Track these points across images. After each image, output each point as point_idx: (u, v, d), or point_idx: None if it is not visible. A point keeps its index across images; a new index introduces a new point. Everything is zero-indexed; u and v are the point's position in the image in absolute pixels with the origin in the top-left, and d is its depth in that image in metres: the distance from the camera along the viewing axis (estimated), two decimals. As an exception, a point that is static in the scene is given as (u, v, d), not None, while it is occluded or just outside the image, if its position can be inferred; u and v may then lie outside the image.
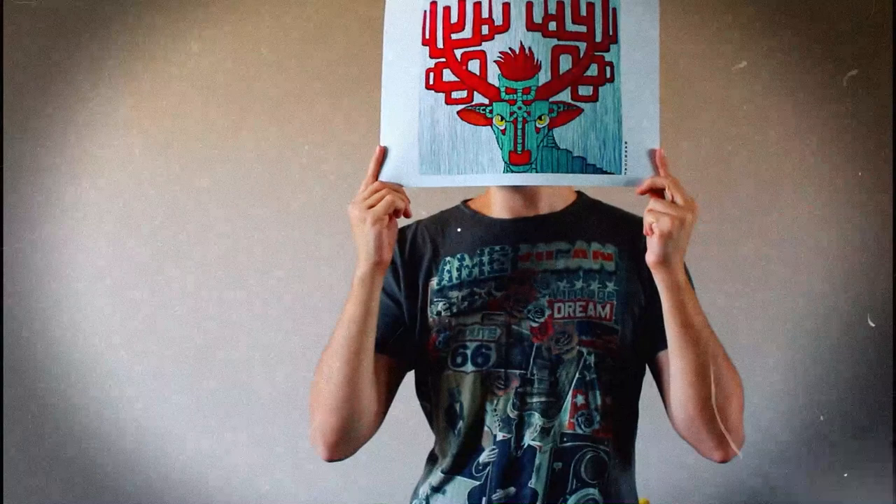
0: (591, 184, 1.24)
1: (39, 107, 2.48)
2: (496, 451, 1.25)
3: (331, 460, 1.28)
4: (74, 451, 2.47)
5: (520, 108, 1.21)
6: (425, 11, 1.25)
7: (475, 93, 1.22)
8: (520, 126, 1.21)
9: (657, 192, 1.19)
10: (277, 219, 2.51)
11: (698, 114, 2.49)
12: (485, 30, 1.23)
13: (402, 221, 1.26)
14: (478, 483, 1.26)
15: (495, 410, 1.26)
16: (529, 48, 1.21)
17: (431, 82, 1.24)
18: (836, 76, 2.50)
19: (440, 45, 1.24)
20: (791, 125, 2.54)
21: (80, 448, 2.47)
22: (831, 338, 2.51)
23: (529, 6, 1.21)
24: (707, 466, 1.31)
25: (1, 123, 2.41)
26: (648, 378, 1.34)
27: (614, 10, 1.22)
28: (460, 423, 1.27)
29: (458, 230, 1.34)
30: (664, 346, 1.24)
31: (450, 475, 1.28)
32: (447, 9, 1.24)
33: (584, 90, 1.21)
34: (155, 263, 2.50)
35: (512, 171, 1.21)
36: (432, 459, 1.33)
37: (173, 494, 2.47)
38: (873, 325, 2.45)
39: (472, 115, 1.22)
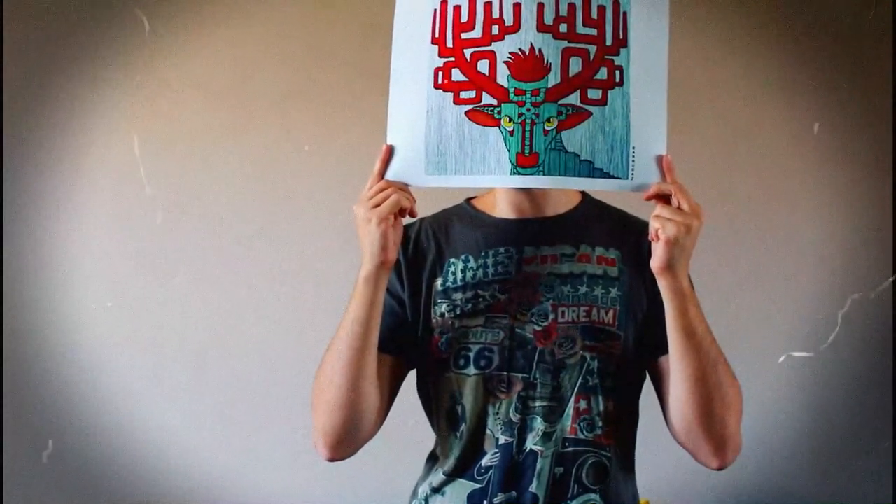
0: (597, 188, 1.24)
1: (39, 107, 2.46)
2: (498, 454, 1.25)
3: (332, 460, 1.27)
4: (74, 452, 2.47)
5: (528, 110, 1.20)
6: (435, 10, 1.24)
7: (484, 93, 1.21)
8: (528, 128, 1.20)
9: (663, 198, 1.19)
10: (280, 218, 2.50)
11: (698, 116, 2.48)
12: (495, 30, 1.22)
13: (405, 220, 1.26)
14: (479, 486, 1.26)
15: (497, 414, 1.26)
16: (540, 50, 1.20)
17: (440, 82, 1.23)
18: (836, 77, 2.50)
19: (449, 44, 1.23)
20: (791, 126, 2.53)
21: (80, 449, 2.47)
22: (831, 338, 2.51)
23: (540, 7, 1.21)
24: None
25: (1, 124, 2.40)
26: (648, 379, 1.34)
27: (625, 14, 1.21)
28: (462, 426, 1.27)
29: (463, 231, 1.34)
30: (665, 351, 1.24)
31: (451, 477, 1.28)
32: (457, 8, 1.23)
33: (594, 93, 1.21)
34: (155, 263, 2.49)
35: (519, 174, 1.20)
36: (433, 459, 1.33)
37: (173, 494, 2.47)
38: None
39: (480, 115, 1.22)
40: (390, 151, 1.24)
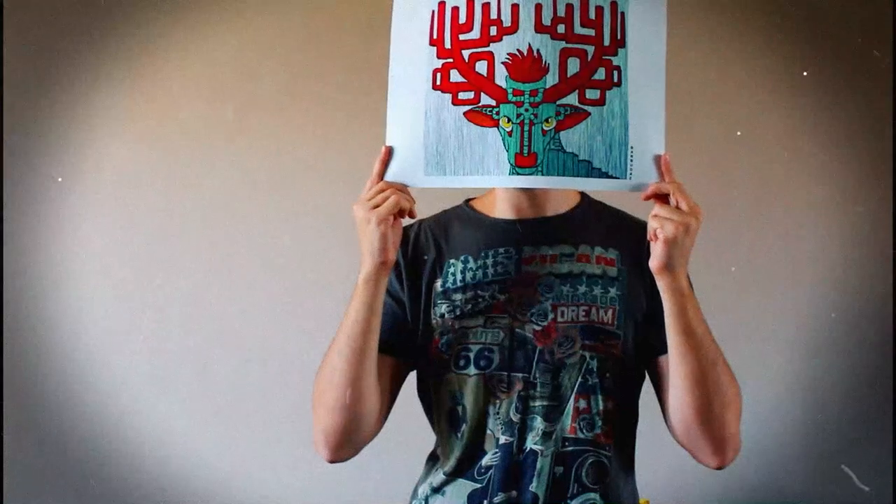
0: (596, 188, 1.25)
1: (39, 108, 2.47)
2: (498, 454, 1.25)
3: (333, 461, 1.27)
4: (74, 454, 2.46)
5: (526, 111, 1.20)
6: (433, 11, 1.24)
7: (482, 94, 1.22)
8: (526, 128, 1.20)
9: (662, 198, 1.19)
10: (280, 219, 2.51)
11: (698, 115, 2.49)
12: (493, 31, 1.22)
13: (404, 221, 1.26)
14: (479, 486, 1.26)
15: (497, 414, 1.26)
16: (538, 50, 1.21)
17: (438, 83, 1.23)
18: (836, 77, 2.50)
19: (448, 45, 1.24)
20: (791, 127, 2.53)
21: (80, 450, 2.47)
22: (831, 338, 2.51)
23: (538, 8, 1.21)
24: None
25: (1, 124, 2.41)
26: (648, 379, 1.34)
27: (622, 14, 1.22)
28: (463, 426, 1.27)
29: (462, 232, 1.34)
30: (664, 350, 1.24)
31: (451, 477, 1.28)
32: (455, 9, 1.24)
33: (592, 94, 1.21)
34: (155, 264, 2.49)
35: (518, 174, 1.21)
36: (433, 459, 1.33)
37: (174, 496, 2.48)
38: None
39: (478, 116, 1.22)
40: (389, 152, 1.25)
